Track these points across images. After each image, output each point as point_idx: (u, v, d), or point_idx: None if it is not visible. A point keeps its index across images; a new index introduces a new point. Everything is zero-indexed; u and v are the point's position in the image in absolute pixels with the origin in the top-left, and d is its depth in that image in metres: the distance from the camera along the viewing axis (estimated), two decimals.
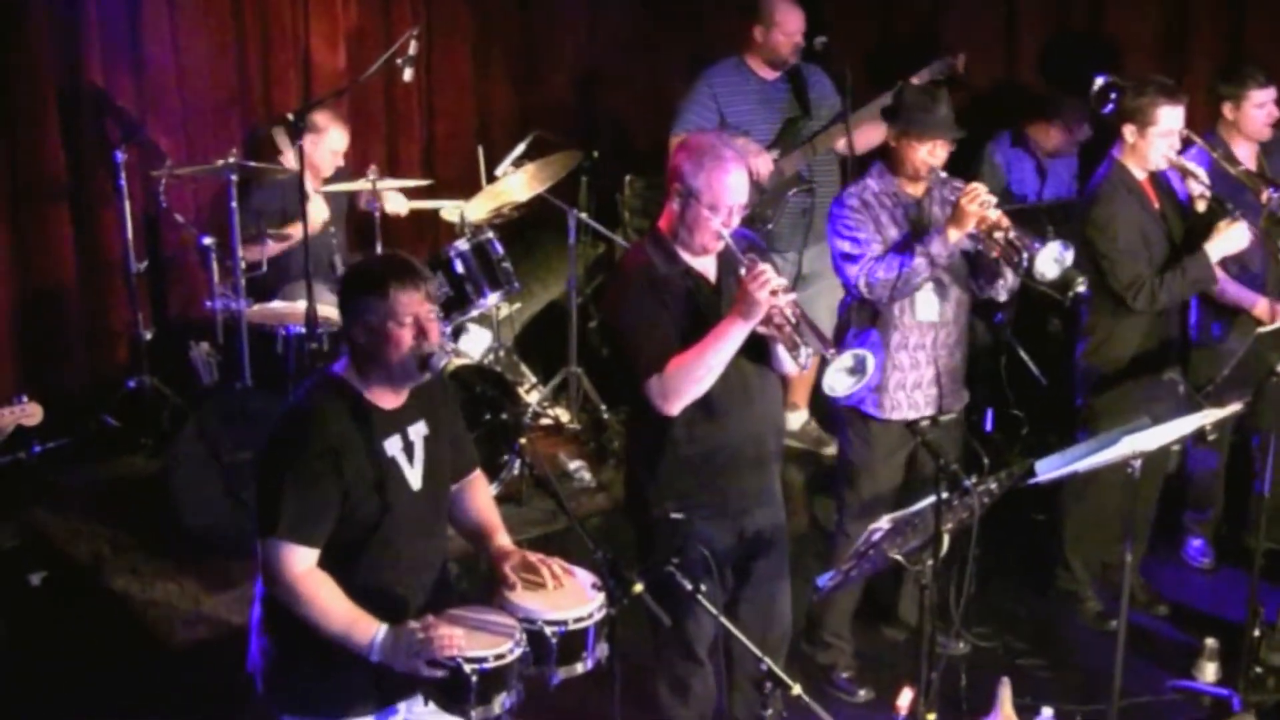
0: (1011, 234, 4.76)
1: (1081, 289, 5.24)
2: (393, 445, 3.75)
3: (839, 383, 4.16)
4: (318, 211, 6.70)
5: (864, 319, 5.08)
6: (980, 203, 4.78)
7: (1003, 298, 5.14)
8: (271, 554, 3.61)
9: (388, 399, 3.76)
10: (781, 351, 4.25)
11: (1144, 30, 7.39)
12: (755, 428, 4.37)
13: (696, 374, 4.11)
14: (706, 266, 4.31)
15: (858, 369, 4.15)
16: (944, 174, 5.03)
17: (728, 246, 4.19)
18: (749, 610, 4.54)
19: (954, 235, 4.82)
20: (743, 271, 4.10)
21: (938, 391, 5.12)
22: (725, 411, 4.28)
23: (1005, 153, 7.28)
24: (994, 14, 7.93)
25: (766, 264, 4.12)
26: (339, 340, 5.12)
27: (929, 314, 5.06)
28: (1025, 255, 4.72)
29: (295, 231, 6.48)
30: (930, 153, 4.96)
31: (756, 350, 4.26)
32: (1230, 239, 5.38)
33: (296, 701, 3.76)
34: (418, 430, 3.82)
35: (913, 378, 5.07)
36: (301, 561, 3.60)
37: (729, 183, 4.14)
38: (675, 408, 4.17)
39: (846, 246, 4.97)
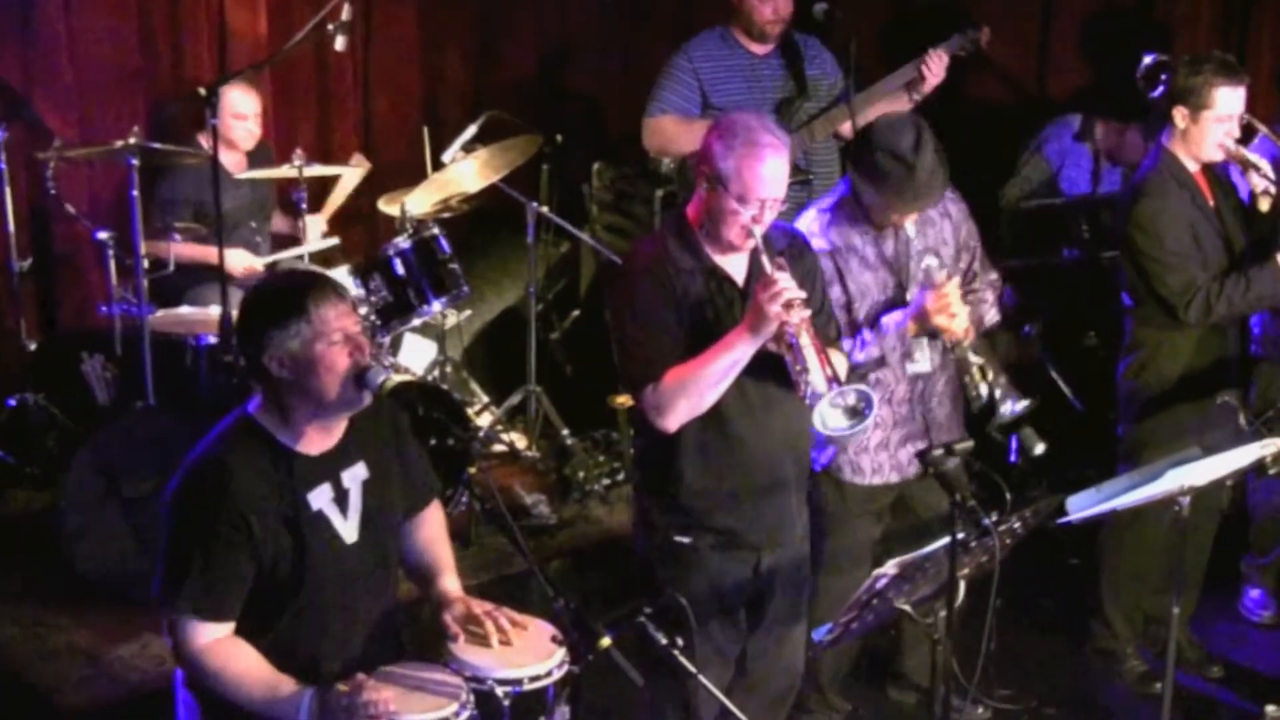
0: (972, 359, 4.83)
1: (1038, 451, 5.21)
2: (320, 497, 3.75)
3: (833, 421, 4.09)
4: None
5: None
6: (946, 311, 4.72)
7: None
8: (174, 628, 3.64)
9: (315, 441, 3.76)
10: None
11: (1201, 6, 7.44)
12: (773, 450, 4.40)
13: (694, 389, 4.14)
14: (735, 267, 4.33)
15: (861, 409, 4.09)
16: None
17: (757, 246, 4.19)
18: (754, 657, 4.59)
19: (913, 329, 4.82)
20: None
21: (927, 446, 5.11)
22: (740, 430, 4.32)
23: (1063, 144, 7.31)
24: None
25: (786, 272, 4.10)
26: None
27: (919, 365, 5.05)
28: (985, 393, 4.84)
29: (208, 256, 6.47)
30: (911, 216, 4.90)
31: (780, 364, 4.26)
32: None
33: None
34: (354, 475, 3.83)
35: (897, 435, 5.07)
36: (207, 635, 3.63)
37: (762, 172, 4.14)
38: (672, 423, 4.21)
39: None
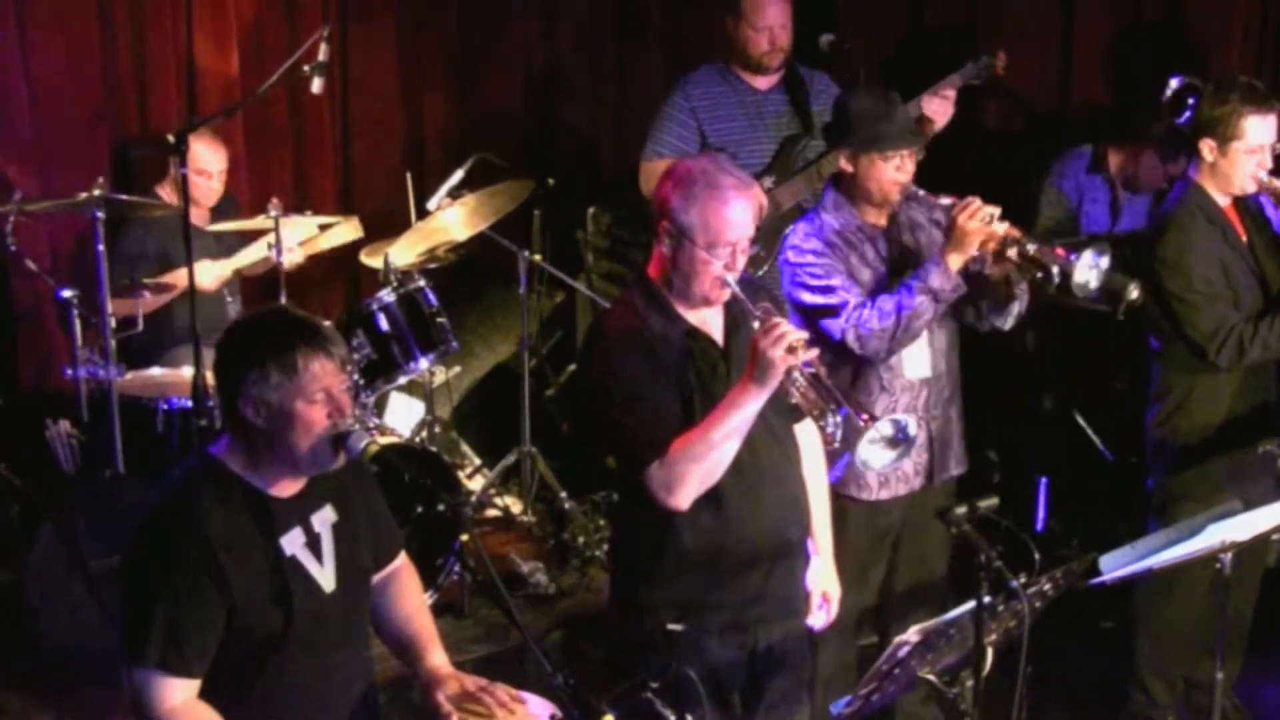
0: (1029, 247, 4.87)
1: (1134, 295, 5.23)
2: (293, 541, 3.76)
3: (876, 457, 4.16)
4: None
5: (840, 382, 5.15)
6: (981, 216, 4.91)
7: (1009, 326, 5.26)
8: (139, 686, 3.61)
9: (284, 485, 3.77)
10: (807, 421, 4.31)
11: (1232, 23, 7.47)
12: (773, 518, 4.38)
13: (706, 455, 4.10)
14: (710, 321, 4.34)
15: (900, 438, 4.14)
16: (917, 189, 5.17)
17: (734, 295, 4.21)
18: None
19: (956, 261, 4.95)
20: (755, 325, 4.09)
21: (928, 458, 5.29)
22: (735, 498, 4.28)
23: (1078, 179, 7.32)
24: (1047, 3, 8.01)
25: (781, 316, 4.11)
26: None
27: (919, 370, 5.22)
28: (1056, 270, 4.82)
29: (177, 280, 6.49)
30: (898, 168, 5.12)
31: (770, 421, 4.28)
32: None
33: None
34: (323, 518, 3.84)
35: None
36: (176, 694, 3.61)
37: (729, 216, 4.14)
38: (684, 500, 4.15)
39: (819, 299, 5.08)
